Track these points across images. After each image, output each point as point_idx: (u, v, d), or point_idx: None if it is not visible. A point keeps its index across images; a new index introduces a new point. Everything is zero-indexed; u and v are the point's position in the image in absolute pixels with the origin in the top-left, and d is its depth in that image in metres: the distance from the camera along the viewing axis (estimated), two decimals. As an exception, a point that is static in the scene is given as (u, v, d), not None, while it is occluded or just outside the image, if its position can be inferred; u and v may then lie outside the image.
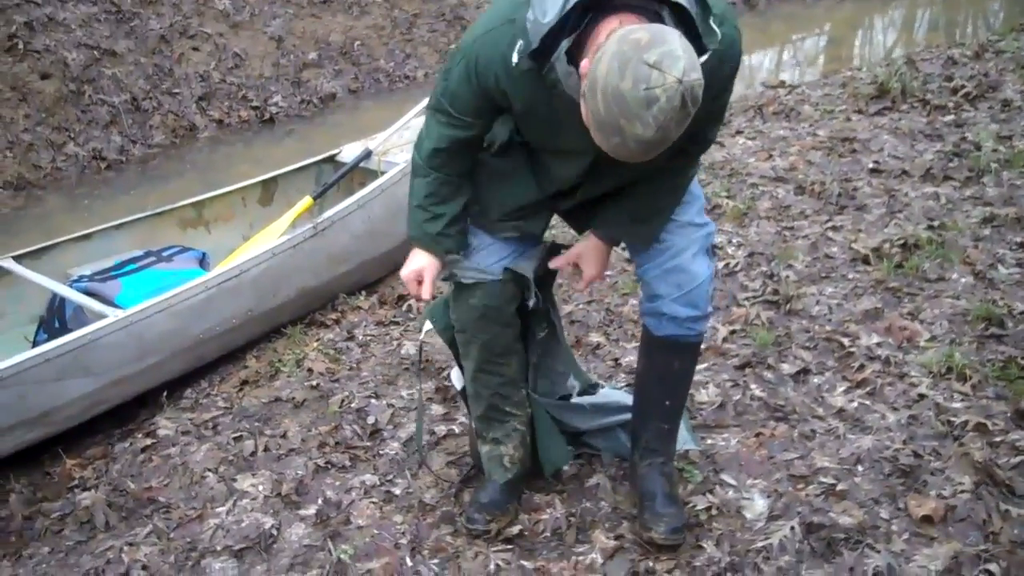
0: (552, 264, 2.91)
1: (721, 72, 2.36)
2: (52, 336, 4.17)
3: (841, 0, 12.09)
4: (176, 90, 7.98)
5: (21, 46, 7.40)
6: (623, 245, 3.02)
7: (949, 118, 6.32)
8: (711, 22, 2.26)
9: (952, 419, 3.31)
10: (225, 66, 8.39)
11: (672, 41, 2.06)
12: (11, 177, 6.83)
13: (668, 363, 2.93)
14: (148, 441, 3.82)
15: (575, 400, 3.22)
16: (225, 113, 8.09)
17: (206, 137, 7.87)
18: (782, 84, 8.05)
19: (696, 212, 2.81)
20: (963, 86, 6.81)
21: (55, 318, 4.41)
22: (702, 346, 3.19)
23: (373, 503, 3.23)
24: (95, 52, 7.76)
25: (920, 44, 10.14)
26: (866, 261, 4.49)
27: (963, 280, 4.26)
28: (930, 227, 4.71)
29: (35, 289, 4.45)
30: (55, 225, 6.19)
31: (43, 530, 3.39)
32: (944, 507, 2.91)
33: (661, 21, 2.19)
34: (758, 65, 10.37)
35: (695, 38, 2.19)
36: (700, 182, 5.21)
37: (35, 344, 4.30)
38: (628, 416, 3.24)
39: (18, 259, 4.53)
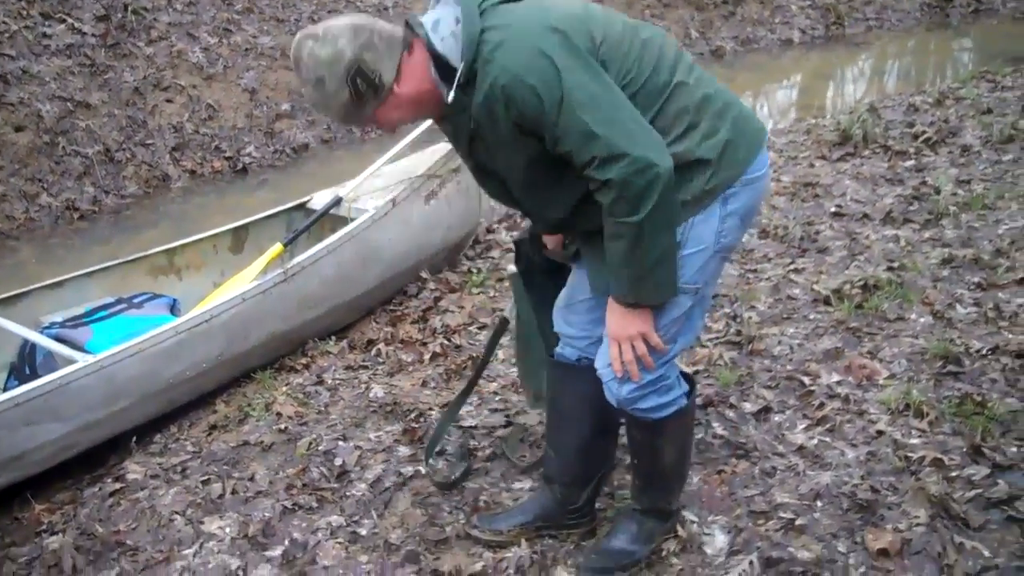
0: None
1: (509, 103, 2.39)
2: (23, 382, 4.20)
3: (808, 49, 12.28)
4: (150, 141, 8.04)
5: (-5, 99, 7.46)
6: None
7: (910, 163, 6.46)
8: (476, 61, 2.42)
9: (909, 455, 3.37)
10: (199, 117, 8.46)
11: (329, 27, 2.45)
12: (-16, 227, 6.87)
13: (628, 428, 2.96)
14: (117, 485, 3.84)
15: None
16: (198, 164, 8.14)
17: (179, 187, 7.92)
18: (748, 132, 8.18)
19: None
20: (924, 132, 6.97)
21: (26, 364, 4.44)
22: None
23: (339, 543, 3.26)
24: (69, 104, 7.82)
25: (889, 93, 10.31)
26: (827, 302, 4.57)
27: (922, 320, 4.34)
28: (890, 268, 4.80)
29: (6, 336, 4.46)
30: (28, 274, 6.20)
31: (10, 575, 3.40)
32: (900, 540, 2.97)
33: None
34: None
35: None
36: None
37: (5, 390, 4.32)
38: None
39: (-11, 306, 4.56)
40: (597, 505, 3.22)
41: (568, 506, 3.15)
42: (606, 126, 2.35)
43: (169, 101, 8.44)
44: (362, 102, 2.47)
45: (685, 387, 2.86)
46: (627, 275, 2.50)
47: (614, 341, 2.62)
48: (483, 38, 2.39)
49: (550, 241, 3.04)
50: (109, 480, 3.91)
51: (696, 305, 2.68)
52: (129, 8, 8.74)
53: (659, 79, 2.50)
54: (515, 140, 2.46)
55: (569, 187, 2.54)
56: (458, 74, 2.43)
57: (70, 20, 8.39)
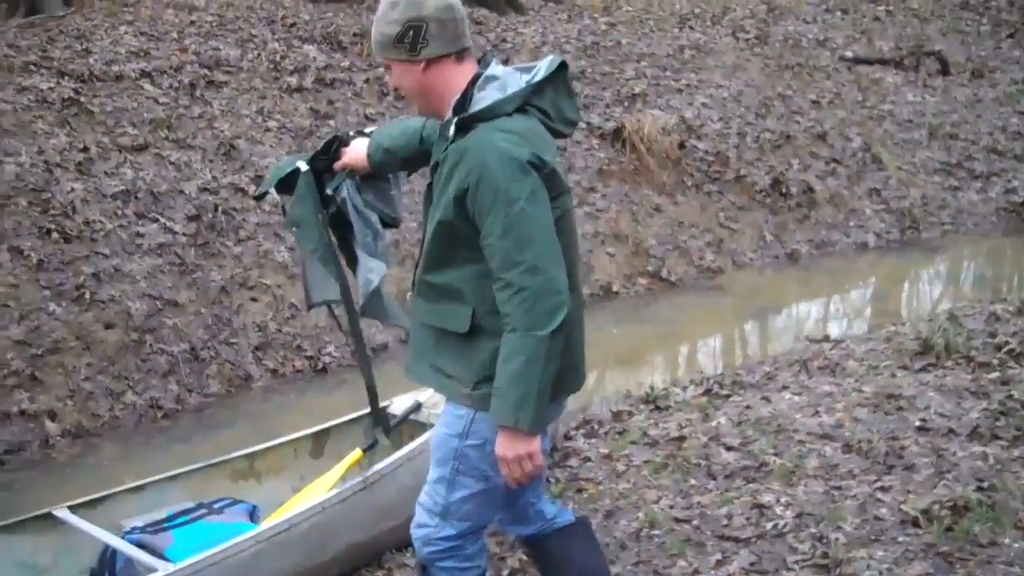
0: None
1: (462, 164, 2.73)
2: (102, 589, 4.21)
3: (884, 253, 12.29)
4: (234, 340, 8.21)
5: (88, 296, 7.70)
6: None
7: (994, 375, 6.34)
8: (483, 123, 2.73)
9: None
10: (282, 316, 8.64)
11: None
12: (70, 425, 6.98)
13: None
14: None
15: None
16: (280, 363, 8.27)
17: (260, 387, 8.04)
18: (826, 338, 8.14)
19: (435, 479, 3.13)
20: (1007, 342, 6.85)
21: (105, 570, 4.46)
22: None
23: None
24: (158, 302, 8.05)
25: (967, 298, 10.24)
26: (916, 524, 4.44)
27: (1015, 545, 4.20)
28: (980, 488, 4.67)
29: (87, 540, 4.50)
30: (110, 473, 6.29)
31: None
32: None
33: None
34: (804, 317, 10.53)
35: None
36: (746, 438, 5.26)
37: (84, 597, 4.33)
38: None
39: (72, 509, 4.60)
40: None
41: None
42: (544, 246, 2.69)
43: (254, 300, 8.65)
44: (397, 46, 2.79)
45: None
46: (515, 396, 2.71)
47: (503, 462, 2.81)
48: (504, 119, 2.72)
49: (353, 158, 3.41)
50: None
51: (488, 490, 2.99)
52: (219, 208, 9.08)
53: None
54: (449, 200, 2.75)
55: (454, 271, 2.87)
56: (462, 115, 2.75)
57: (163, 220, 8.72)
